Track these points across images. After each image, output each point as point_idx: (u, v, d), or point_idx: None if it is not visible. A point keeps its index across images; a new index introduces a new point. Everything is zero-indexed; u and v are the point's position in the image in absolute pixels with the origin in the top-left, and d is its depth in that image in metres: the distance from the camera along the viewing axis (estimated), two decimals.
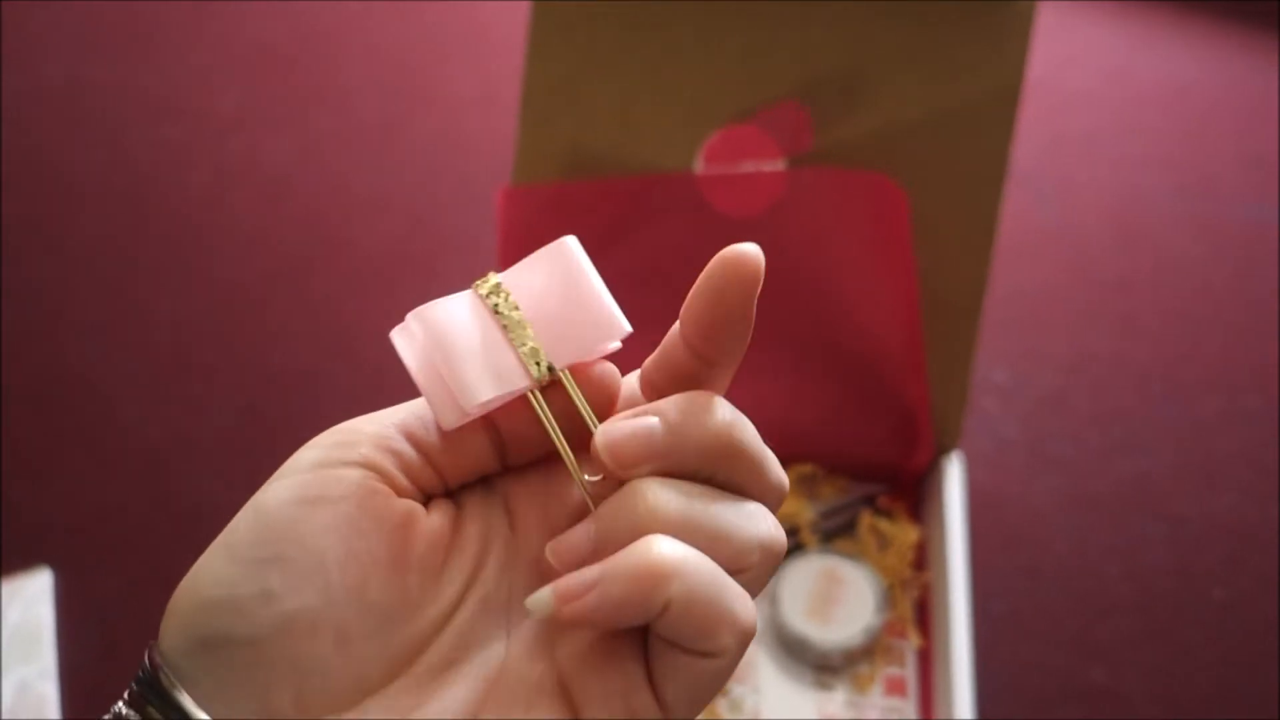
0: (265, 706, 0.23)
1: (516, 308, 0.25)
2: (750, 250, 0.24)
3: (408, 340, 0.25)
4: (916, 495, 0.52)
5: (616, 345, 0.25)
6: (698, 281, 0.24)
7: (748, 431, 0.24)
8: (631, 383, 0.25)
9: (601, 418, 0.24)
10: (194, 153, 0.66)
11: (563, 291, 0.25)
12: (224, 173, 0.65)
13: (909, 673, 0.48)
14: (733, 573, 0.23)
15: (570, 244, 0.25)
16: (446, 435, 0.24)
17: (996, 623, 0.52)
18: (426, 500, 0.25)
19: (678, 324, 0.24)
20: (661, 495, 0.23)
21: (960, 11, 0.48)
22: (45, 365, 0.59)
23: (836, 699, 0.47)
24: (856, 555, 0.49)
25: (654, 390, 0.25)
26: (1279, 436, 0.57)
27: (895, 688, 0.48)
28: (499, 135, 0.64)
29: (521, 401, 0.24)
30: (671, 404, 0.24)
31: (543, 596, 0.23)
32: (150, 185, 0.65)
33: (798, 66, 0.49)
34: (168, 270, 0.62)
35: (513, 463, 0.25)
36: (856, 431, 0.50)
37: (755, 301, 0.24)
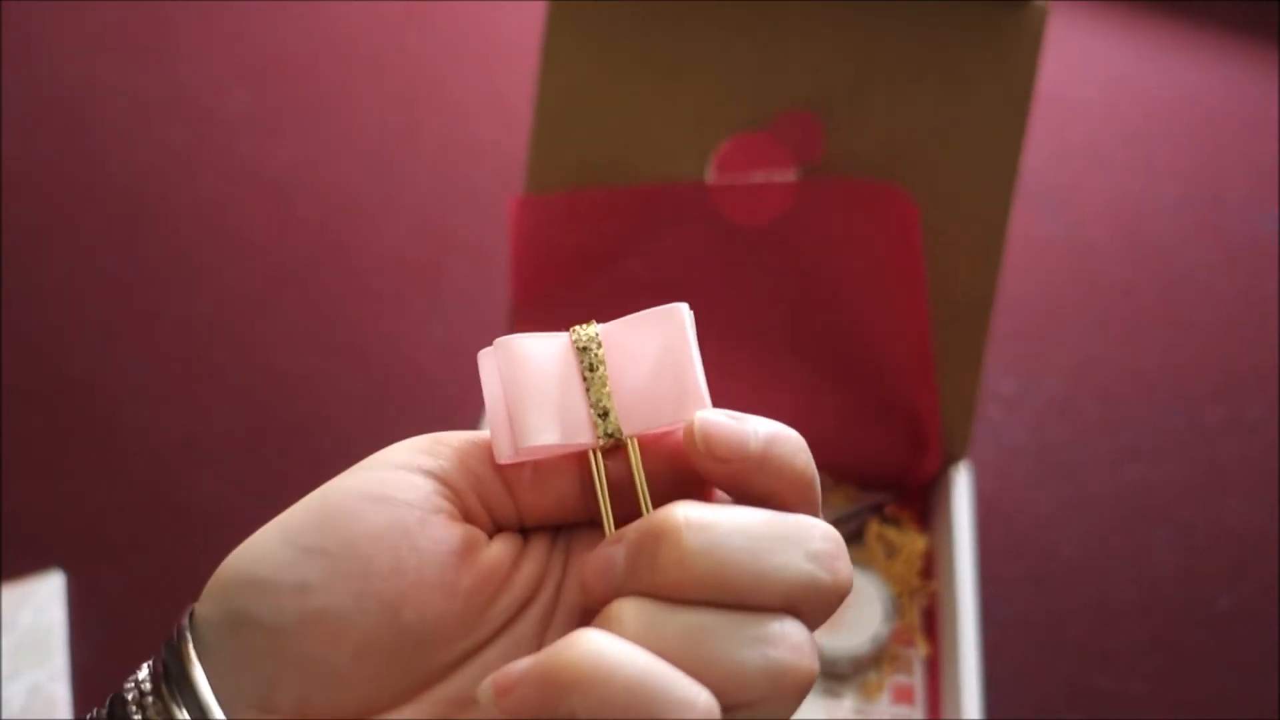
0: (268, 699, 0.22)
1: (603, 363, 0.24)
2: None
3: (491, 364, 0.24)
4: (924, 503, 0.52)
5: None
6: None
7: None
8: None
9: (662, 485, 0.23)
10: (202, 157, 0.66)
11: (657, 357, 0.24)
12: (232, 177, 0.65)
13: (917, 680, 0.48)
14: (727, 707, 0.20)
15: (682, 312, 0.24)
16: (537, 472, 0.24)
17: (1004, 630, 0.52)
18: (496, 529, 0.24)
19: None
20: (631, 612, 0.21)
21: (970, 22, 0.48)
22: (54, 368, 0.59)
23: (845, 706, 0.47)
24: (864, 563, 0.50)
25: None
26: None
27: (903, 695, 0.48)
28: (507, 142, 0.64)
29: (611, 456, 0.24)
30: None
31: (485, 687, 0.21)
32: (159, 189, 0.65)
33: (808, 76, 0.49)
34: (175, 273, 0.62)
35: (595, 517, 0.24)
36: (865, 439, 0.50)
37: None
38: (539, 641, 0.24)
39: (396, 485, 0.23)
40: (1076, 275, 0.63)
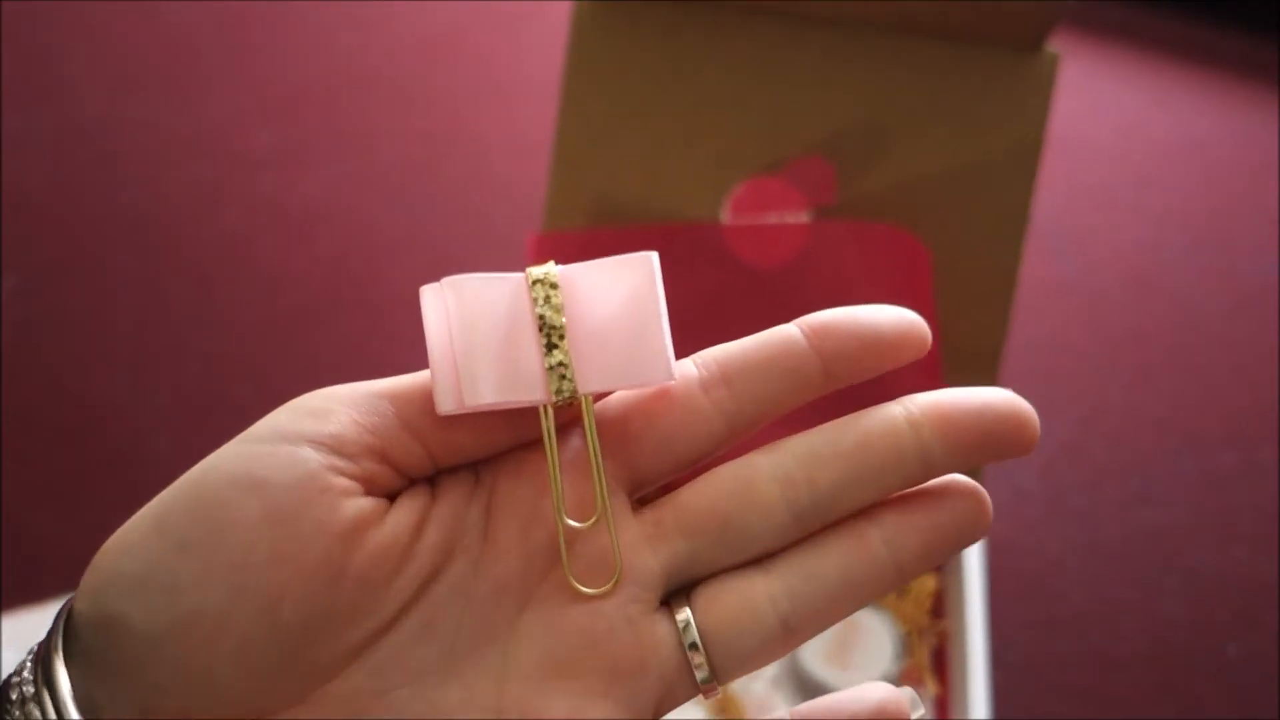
0: (147, 708, 0.20)
1: (560, 311, 0.22)
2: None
3: (436, 304, 0.22)
4: None
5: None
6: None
7: None
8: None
9: (617, 448, 0.22)
10: (226, 191, 0.67)
11: (621, 310, 0.22)
12: (255, 211, 0.67)
13: None
14: None
15: (651, 261, 0.22)
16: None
17: (1012, 672, 0.52)
18: (404, 482, 0.22)
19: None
20: None
21: (982, 68, 0.49)
22: (77, 399, 0.60)
23: None
24: (875, 602, 0.50)
25: None
26: None
27: None
28: (524, 178, 0.65)
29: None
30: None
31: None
32: (183, 223, 0.66)
33: (822, 120, 0.50)
34: (198, 307, 0.63)
35: (523, 442, 0.23)
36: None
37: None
38: (457, 617, 0.21)
39: (274, 464, 0.21)
40: (1086, 320, 0.63)
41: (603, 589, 0.22)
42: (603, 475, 0.22)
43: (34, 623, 0.52)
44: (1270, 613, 0.54)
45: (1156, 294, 0.64)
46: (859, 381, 0.23)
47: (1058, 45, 0.48)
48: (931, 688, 0.48)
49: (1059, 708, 0.52)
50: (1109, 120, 0.71)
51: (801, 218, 0.50)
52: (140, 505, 0.22)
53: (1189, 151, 0.70)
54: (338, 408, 0.22)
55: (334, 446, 0.21)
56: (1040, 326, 0.62)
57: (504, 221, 0.66)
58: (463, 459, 0.23)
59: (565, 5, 0.50)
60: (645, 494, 0.24)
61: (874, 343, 0.23)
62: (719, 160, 0.50)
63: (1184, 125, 0.71)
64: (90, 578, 0.21)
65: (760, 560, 0.23)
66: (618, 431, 0.23)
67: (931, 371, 0.49)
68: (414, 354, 0.24)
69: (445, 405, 0.22)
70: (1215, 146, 0.70)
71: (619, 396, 0.23)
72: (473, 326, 0.22)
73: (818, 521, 0.23)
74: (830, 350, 0.23)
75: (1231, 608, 0.54)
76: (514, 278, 0.22)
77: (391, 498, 0.22)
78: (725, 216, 0.51)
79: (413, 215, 0.66)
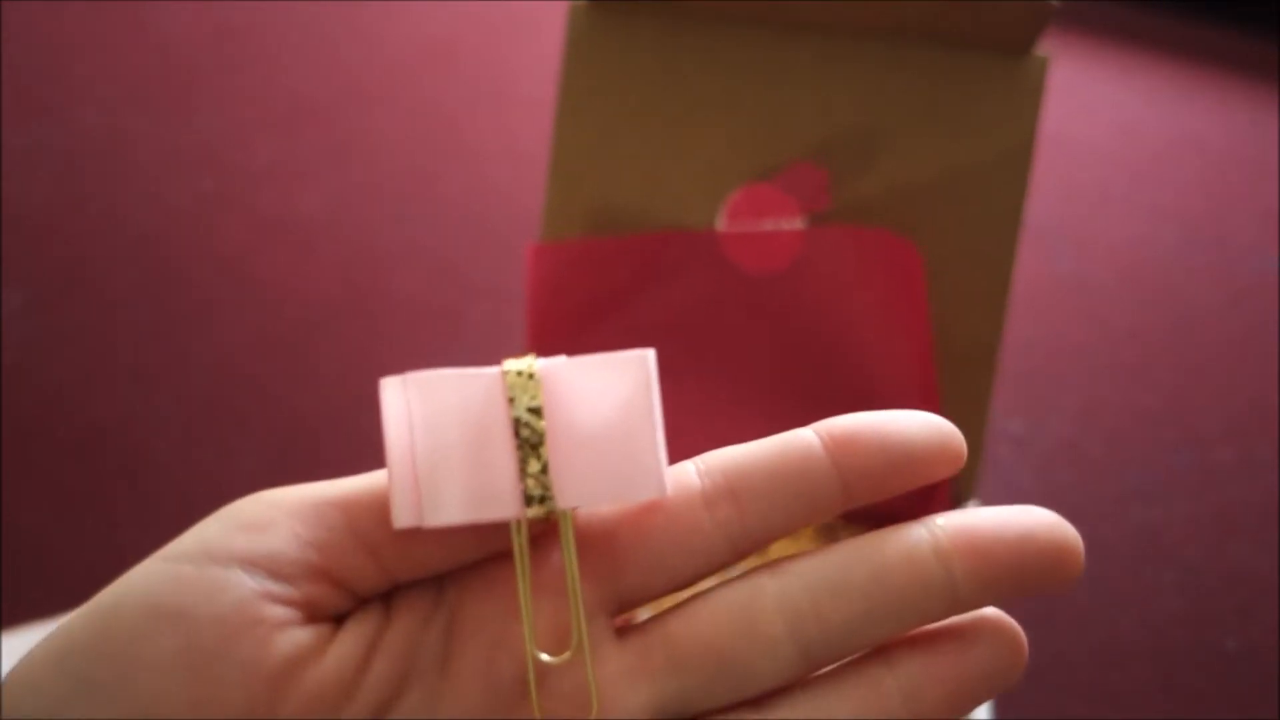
0: None
1: (539, 413, 0.19)
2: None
3: (397, 402, 0.19)
4: None
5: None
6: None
7: None
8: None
9: (602, 566, 0.19)
10: (227, 205, 0.68)
11: (612, 416, 0.19)
12: (256, 224, 0.67)
13: None
14: None
15: (647, 362, 0.20)
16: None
17: None
18: (355, 601, 0.19)
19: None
20: None
21: (972, 72, 0.50)
22: (84, 412, 0.61)
23: None
24: None
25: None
26: None
27: None
28: (523, 187, 0.66)
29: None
30: None
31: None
32: (185, 237, 0.67)
33: (815, 127, 0.51)
34: (201, 319, 0.64)
35: (497, 553, 0.20)
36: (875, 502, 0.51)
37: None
38: None
39: (198, 590, 0.18)
40: (1082, 316, 0.64)
41: None
42: (580, 604, 0.19)
43: (36, 640, 0.52)
44: (1269, 607, 0.54)
45: (1153, 291, 0.64)
46: (879, 500, 0.20)
47: (1052, 45, 0.49)
48: None
49: (1059, 704, 0.52)
50: (1104, 118, 0.72)
51: (796, 224, 0.51)
52: (147, 516, 0.21)
53: (1184, 148, 0.70)
54: (278, 518, 0.19)
55: (270, 568, 0.18)
56: (1036, 324, 0.63)
57: (504, 230, 0.66)
58: (423, 574, 0.20)
59: (560, 16, 0.51)
60: (630, 613, 0.21)
61: (903, 461, 0.20)
62: (715, 167, 0.51)
63: (1179, 122, 0.71)
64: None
65: (758, 701, 0.20)
66: (603, 546, 0.20)
67: (927, 375, 0.49)
68: (414, 363, 0.24)
69: (402, 520, 0.19)
70: (1210, 143, 0.70)
71: (609, 506, 0.20)
72: (438, 434, 0.19)
73: (827, 659, 0.20)
74: (853, 468, 0.20)
75: (1230, 602, 0.55)
76: (488, 374, 0.19)
77: (339, 619, 0.19)
78: (721, 224, 0.51)
79: (413, 226, 0.67)
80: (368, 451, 0.62)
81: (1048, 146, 0.56)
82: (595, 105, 0.51)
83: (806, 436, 0.21)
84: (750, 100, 0.50)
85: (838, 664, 0.20)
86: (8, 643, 0.52)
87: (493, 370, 0.19)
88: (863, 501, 0.21)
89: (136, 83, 0.73)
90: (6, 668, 0.50)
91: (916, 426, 0.21)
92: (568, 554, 0.19)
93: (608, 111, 0.50)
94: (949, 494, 0.51)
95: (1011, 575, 0.20)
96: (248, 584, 0.18)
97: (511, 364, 0.19)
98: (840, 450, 0.20)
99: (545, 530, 0.20)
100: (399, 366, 0.66)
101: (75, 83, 0.73)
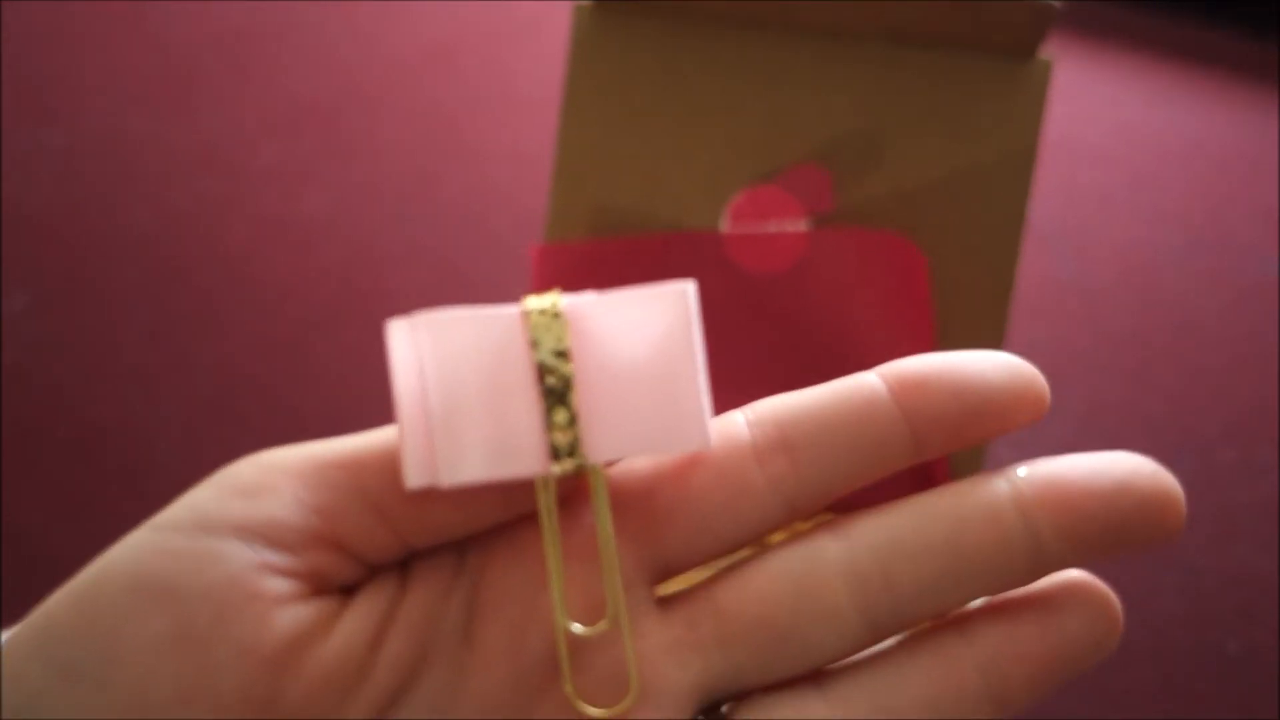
0: None
1: (567, 356, 0.17)
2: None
3: (407, 348, 0.17)
4: None
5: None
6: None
7: None
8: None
9: (641, 529, 0.17)
10: (230, 207, 0.68)
11: (645, 356, 0.17)
12: (259, 226, 0.67)
13: None
14: None
15: (687, 294, 0.18)
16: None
17: None
18: (367, 572, 0.17)
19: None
20: None
21: (976, 75, 0.50)
22: (86, 413, 0.61)
23: None
24: None
25: None
26: None
27: None
28: (526, 188, 0.66)
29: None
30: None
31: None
32: (187, 238, 0.67)
33: (819, 129, 0.51)
34: (204, 321, 0.64)
35: (524, 514, 0.17)
36: (876, 483, 0.51)
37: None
38: None
39: (188, 564, 0.16)
40: (1084, 320, 0.64)
41: (615, 709, 0.17)
42: (617, 571, 0.17)
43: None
44: (1270, 608, 0.55)
45: (1154, 293, 0.65)
46: (954, 451, 0.18)
47: (1055, 46, 0.49)
48: None
49: (1060, 705, 0.52)
50: (1105, 121, 0.72)
51: (800, 225, 0.51)
52: (145, 520, 0.19)
53: (1186, 151, 0.70)
54: (278, 481, 0.17)
55: (269, 536, 0.16)
56: (1038, 326, 0.63)
57: (507, 231, 0.66)
58: (442, 538, 0.17)
59: (565, 17, 0.51)
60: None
61: (979, 405, 0.18)
62: (719, 168, 0.51)
63: (1181, 125, 0.71)
64: None
65: (818, 676, 0.18)
66: (641, 506, 0.18)
67: None
68: None
69: (415, 480, 0.17)
70: (1212, 146, 0.70)
71: (646, 460, 0.18)
72: (454, 381, 0.16)
73: (895, 629, 0.18)
74: (923, 413, 0.18)
75: (1232, 604, 0.55)
76: (507, 314, 0.17)
77: (350, 591, 0.17)
78: (725, 225, 0.52)
79: (415, 226, 0.67)
80: None
81: (1049, 149, 0.56)
82: (599, 107, 0.51)
83: (870, 380, 0.18)
84: (754, 102, 0.50)
85: (907, 633, 0.18)
86: None
87: (513, 309, 0.17)
88: (935, 453, 0.18)
89: (139, 85, 0.73)
90: None
91: (994, 367, 0.18)
92: (600, 514, 0.17)
93: (612, 113, 0.51)
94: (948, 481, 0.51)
95: (1106, 532, 0.18)
96: (244, 554, 0.16)
97: (534, 302, 0.17)
98: (909, 396, 0.18)
99: (576, 489, 0.18)
100: None
101: (77, 85, 0.73)
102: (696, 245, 0.51)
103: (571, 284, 0.53)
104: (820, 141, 0.51)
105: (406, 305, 0.67)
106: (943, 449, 0.18)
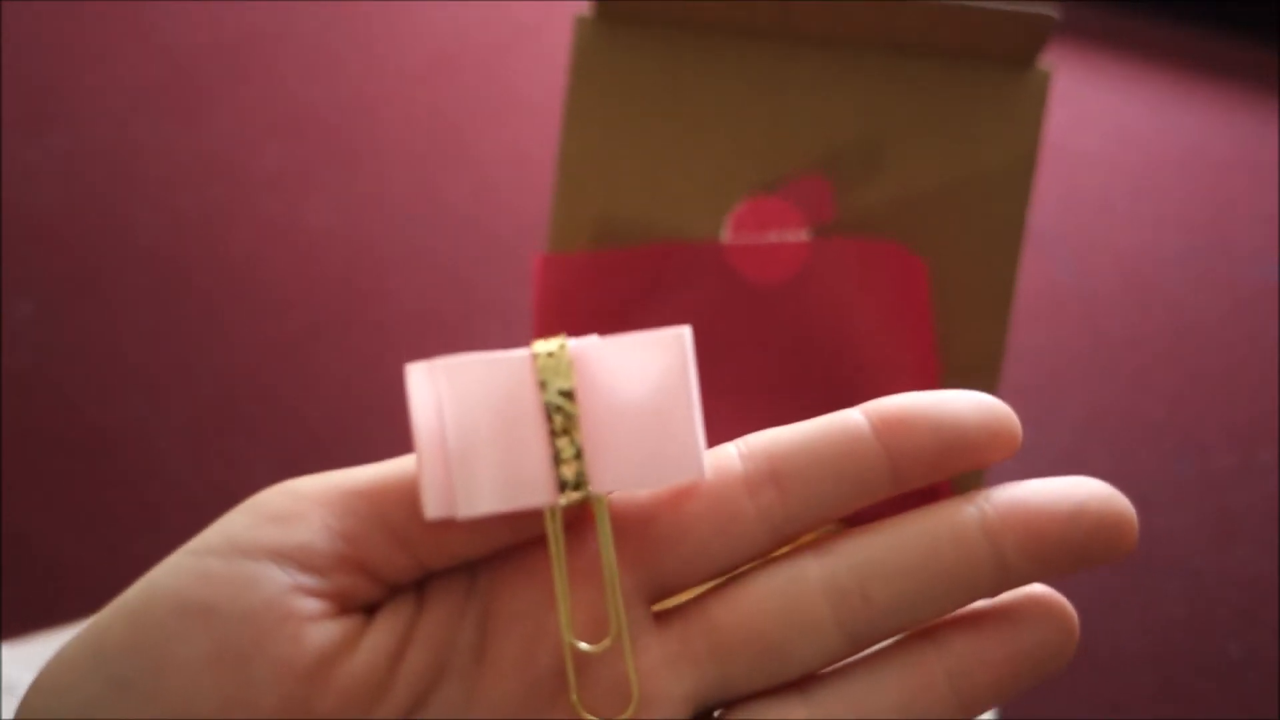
0: None
1: (571, 396, 0.18)
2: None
3: (427, 389, 0.19)
4: None
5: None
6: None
7: None
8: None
9: (639, 553, 0.19)
10: (234, 214, 0.68)
11: (647, 396, 0.19)
12: (263, 233, 0.68)
13: None
14: None
15: (684, 340, 0.19)
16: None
17: None
18: (387, 592, 0.19)
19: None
20: None
21: (975, 84, 0.50)
22: (93, 419, 0.61)
23: None
24: None
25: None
26: None
27: None
28: (528, 196, 0.66)
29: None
30: None
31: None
32: (192, 245, 0.67)
33: (819, 138, 0.51)
34: (208, 328, 0.64)
35: (531, 539, 0.19)
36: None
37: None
38: None
39: (228, 587, 0.17)
40: (1084, 325, 0.64)
41: (618, 719, 0.19)
42: (618, 592, 0.19)
43: (48, 648, 0.53)
44: (1271, 611, 0.55)
45: (1154, 297, 0.65)
46: (929, 483, 0.20)
47: (1055, 53, 0.49)
48: None
49: (1061, 709, 0.52)
50: (1104, 127, 0.72)
51: (801, 235, 0.51)
52: (157, 524, 0.20)
53: (1186, 156, 0.70)
54: (307, 509, 0.18)
55: (301, 560, 0.18)
56: (1039, 333, 0.63)
57: (509, 237, 0.67)
58: (456, 561, 0.19)
59: (567, 25, 0.51)
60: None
61: (956, 442, 0.19)
62: (720, 178, 0.51)
63: (1180, 131, 0.71)
64: (22, 714, 0.18)
65: (801, 683, 0.20)
66: (641, 532, 0.20)
67: (930, 386, 0.50)
68: None
69: (434, 511, 0.18)
70: (1212, 151, 0.71)
71: (645, 490, 0.20)
72: (469, 420, 0.18)
73: (872, 640, 0.20)
74: (904, 450, 0.20)
75: (1233, 607, 0.55)
76: (517, 357, 0.19)
77: (370, 609, 0.19)
78: (726, 235, 0.52)
79: (418, 233, 0.67)
80: (375, 458, 0.62)
81: (1048, 155, 0.57)
82: (601, 116, 0.51)
83: (854, 418, 0.20)
84: (755, 111, 0.50)
85: (882, 644, 0.20)
86: (16, 652, 0.53)
87: (522, 353, 0.19)
88: (912, 485, 0.20)
89: (143, 92, 0.73)
90: (10, 676, 0.50)
91: (970, 407, 0.19)
92: (604, 540, 0.18)
93: (614, 123, 0.51)
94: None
95: (1064, 551, 0.19)
96: (278, 578, 0.18)
97: (542, 345, 0.19)
98: (890, 432, 0.20)
99: (580, 516, 0.20)
100: (404, 375, 0.66)
101: (82, 92, 0.73)
102: (698, 255, 0.51)
103: (574, 294, 0.53)
104: (821, 150, 0.51)
105: (409, 310, 0.68)
106: (921, 482, 0.20)
